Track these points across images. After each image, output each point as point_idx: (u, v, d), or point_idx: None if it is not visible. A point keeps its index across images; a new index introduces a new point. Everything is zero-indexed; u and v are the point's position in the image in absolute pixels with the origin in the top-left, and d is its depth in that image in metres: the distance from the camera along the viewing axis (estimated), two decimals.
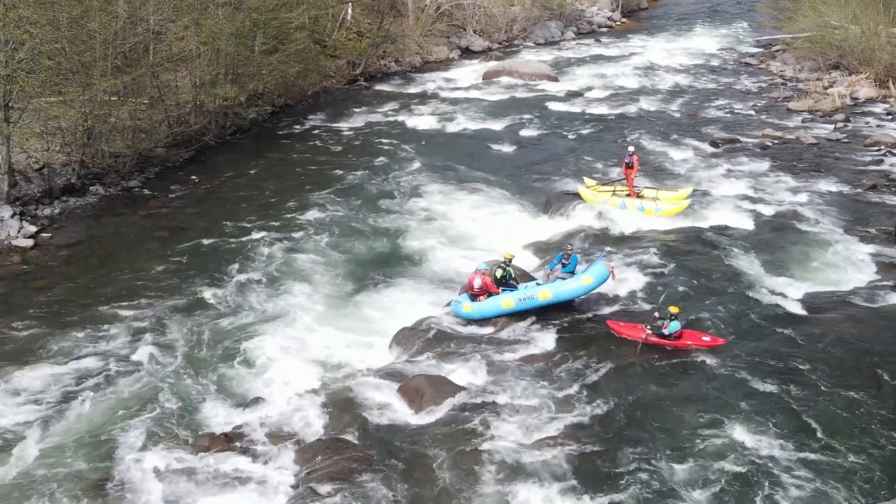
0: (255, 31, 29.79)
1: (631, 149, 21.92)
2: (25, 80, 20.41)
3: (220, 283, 17.71)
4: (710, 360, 13.82)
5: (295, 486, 11.33)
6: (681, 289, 16.36)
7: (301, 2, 34.60)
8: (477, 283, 15.58)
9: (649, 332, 14.09)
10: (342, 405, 13.00)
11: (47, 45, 21.05)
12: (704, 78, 39.68)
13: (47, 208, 21.46)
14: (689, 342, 14.13)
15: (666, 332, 14.06)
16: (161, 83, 26.53)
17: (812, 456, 11.44)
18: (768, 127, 29.60)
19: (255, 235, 20.40)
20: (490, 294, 15.56)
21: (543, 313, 15.59)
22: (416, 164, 26.36)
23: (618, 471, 11.32)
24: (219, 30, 27.19)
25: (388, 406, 13.01)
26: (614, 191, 21.46)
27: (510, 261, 16.18)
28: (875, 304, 15.92)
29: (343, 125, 31.72)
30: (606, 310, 15.86)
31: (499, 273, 15.85)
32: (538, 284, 15.99)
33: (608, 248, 17.85)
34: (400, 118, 32.44)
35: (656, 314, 14.33)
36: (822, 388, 13.01)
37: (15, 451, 12.18)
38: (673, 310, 14.10)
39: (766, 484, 10.89)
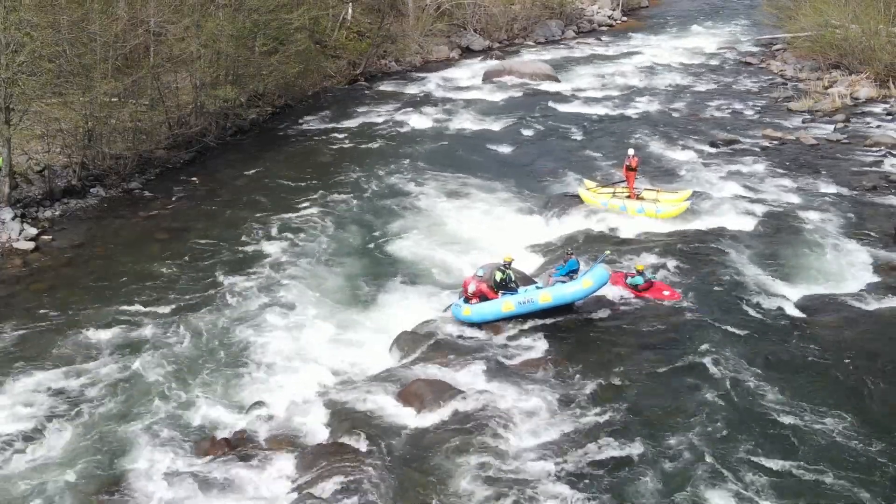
0: (256, 32, 29.82)
1: (631, 150, 21.95)
2: (26, 82, 20.45)
3: (220, 286, 17.74)
4: (713, 364, 13.81)
5: (296, 491, 11.35)
6: (680, 290, 16.40)
7: (301, 2, 34.59)
8: (471, 288, 15.62)
9: (628, 283, 16.60)
10: (343, 410, 13.05)
11: (48, 48, 21.09)
12: (705, 77, 39.64)
13: (48, 210, 21.51)
14: (651, 295, 16.29)
15: (631, 280, 16.49)
16: (161, 85, 26.57)
17: (812, 456, 11.44)
18: (768, 127, 29.57)
19: (256, 237, 20.47)
20: (484, 298, 15.59)
21: (543, 317, 15.61)
22: (416, 165, 26.37)
23: (619, 474, 11.34)
24: (219, 31, 27.22)
25: (389, 410, 13.06)
26: (614, 192, 21.46)
27: (510, 264, 16.18)
28: (875, 305, 15.92)
29: (344, 125, 31.72)
30: (607, 312, 15.90)
31: (498, 276, 15.84)
32: (538, 288, 16.00)
33: (608, 251, 17.84)
34: (400, 118, 32.43)
35: (631, 273, 16.81)
36: (822, 389, 13.01)
37: (16, 455, 12.22)
38: (639, 268, 16.67)
39: (766, 487, 10.93)
